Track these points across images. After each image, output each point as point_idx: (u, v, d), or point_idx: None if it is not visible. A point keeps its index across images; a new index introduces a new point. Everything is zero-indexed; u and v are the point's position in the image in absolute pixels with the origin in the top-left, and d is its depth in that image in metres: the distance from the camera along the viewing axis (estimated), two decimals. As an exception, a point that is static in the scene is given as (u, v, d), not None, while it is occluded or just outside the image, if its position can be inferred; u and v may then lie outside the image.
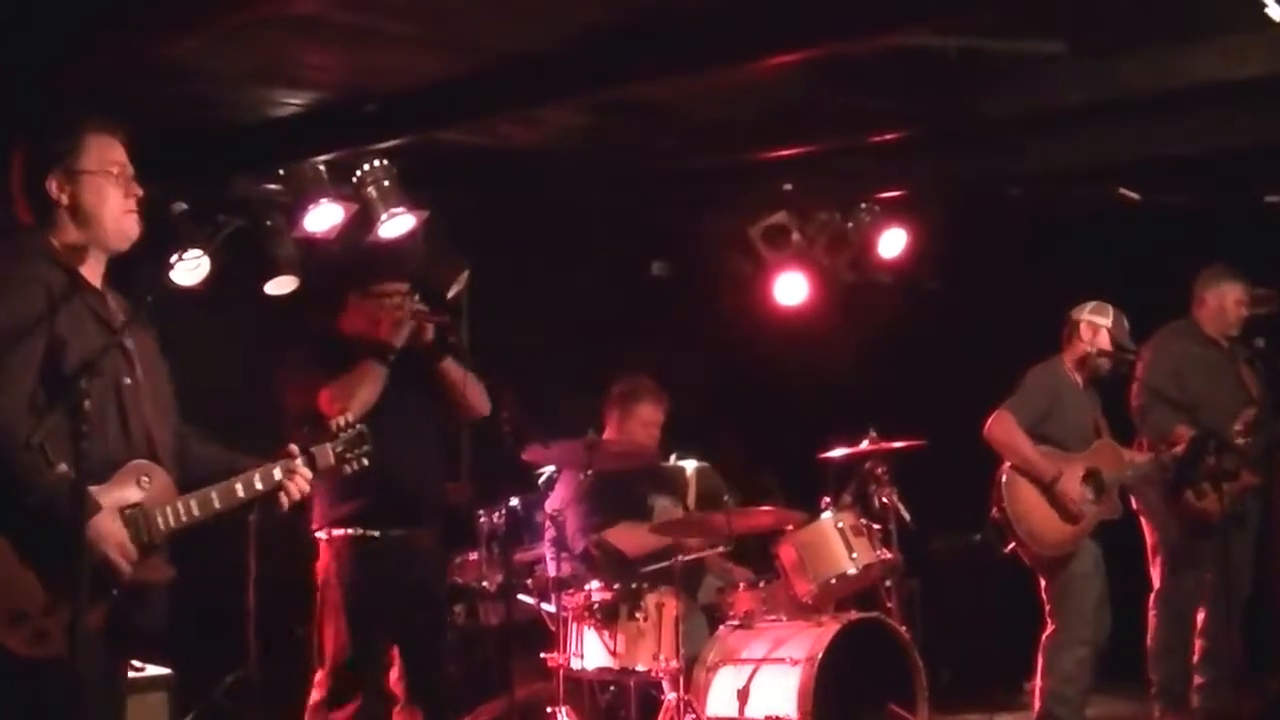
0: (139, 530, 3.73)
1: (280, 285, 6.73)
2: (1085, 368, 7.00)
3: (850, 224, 8.44)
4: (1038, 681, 6.90)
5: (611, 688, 6.80)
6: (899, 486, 7.17)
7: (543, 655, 6.53)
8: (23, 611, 3.58)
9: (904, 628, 6.67)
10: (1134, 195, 8.34)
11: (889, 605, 6.99)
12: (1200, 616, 7.17)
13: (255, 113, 6.38)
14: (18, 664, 3.59)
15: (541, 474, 7.31)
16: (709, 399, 8.72)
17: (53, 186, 3.85)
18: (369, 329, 5.69)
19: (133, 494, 3.75)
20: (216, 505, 3.90)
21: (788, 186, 8.16)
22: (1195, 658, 7.16)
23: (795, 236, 8.34)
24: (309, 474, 4.12)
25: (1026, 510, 6.82)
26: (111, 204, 3.86)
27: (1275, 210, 8.24)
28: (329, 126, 6.50)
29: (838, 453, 7.36)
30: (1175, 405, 7.06)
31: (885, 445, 7.19)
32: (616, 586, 6.46)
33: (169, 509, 3.80)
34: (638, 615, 6.38)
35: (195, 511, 3.85)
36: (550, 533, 6.75)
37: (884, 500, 7.11)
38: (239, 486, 3.96)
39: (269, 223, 6.63)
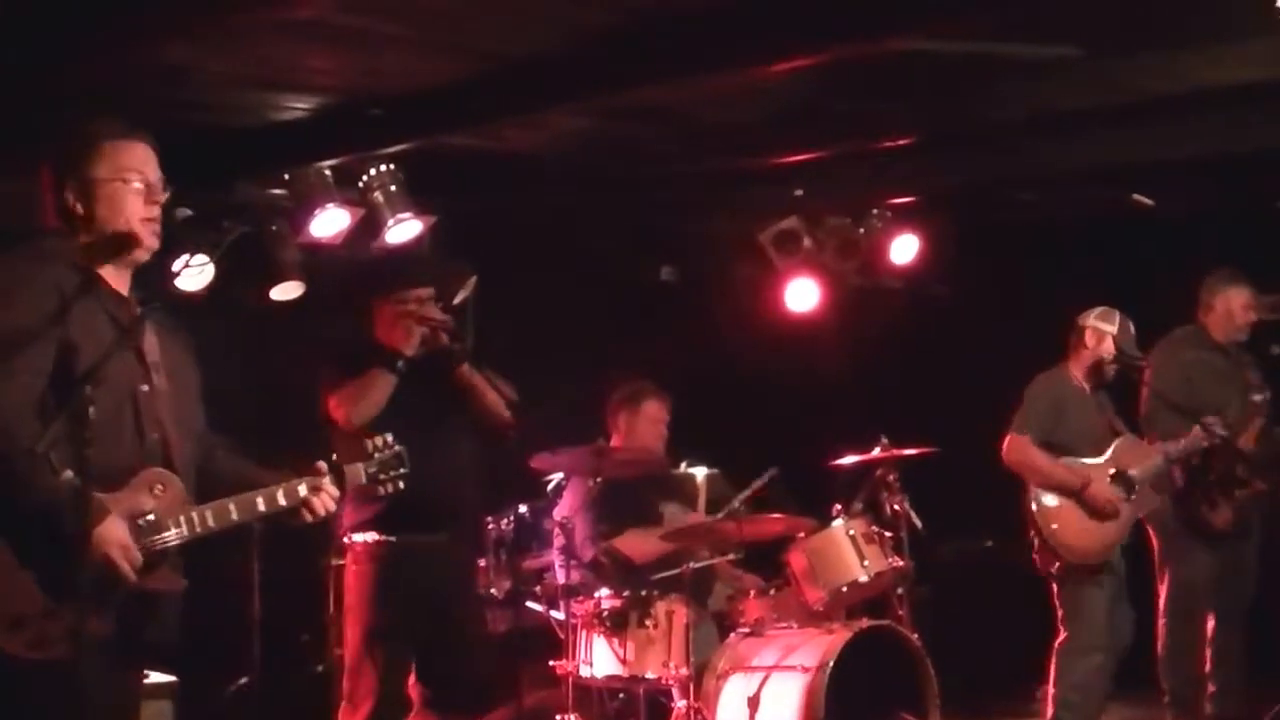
0: (149, 539, 3.68)
1: (285, 291, 6.71)
2: (1092, 373, 6.95)
3: (861, 229, 8.40)
4: (1049, 688, 6.85)
5: (620, 695, 6.78)
6: (910, 493, 7.13)
7: (551, 663, 6.50)
8: (23, 615, 3.54)
9: (915, 635, 6.64)
10: (1146, 200, 8.31)
11: (900, 613, 6.95)
12: (1210, 624, 7.11)
13: (259, 117, 6.36)
14: (18, 668, 3.55)
15: (550, 481, 7.28)
16: (719, 405, 8.68)
17: (69, 194, 3.82)
18: (388, 334, 5.70)
19: (145, 502, 3.71)
20: (234, 517, 3.85)
21: (798, 191, 8.12)
22: (1207, 665, 7.11)
23: (806, 242, 8.29)
24: (335, 492, 4.06)
25: (1060, 525, 6.77)
26: (126, 213, 3.81)
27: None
28: (334, 131, 6.47)
29: (848, 460, 7.32)
30: (1183, 412, 7.00)
31: (896, 452, 7.15)
32: (626, 594, 6.44)
33: (183, 518, 3.76)
34: (647, 623, 6.36)
35: (210, 523, 3.80)
36: (559, 540, 6.71)
37: (895, 507, 7.07)
38: (260, 500, 3.91)
39: (274, 228, 6.61)
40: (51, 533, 3.51)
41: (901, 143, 7.13)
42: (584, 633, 6.42)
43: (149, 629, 3.78)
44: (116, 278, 3.85)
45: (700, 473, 7.48)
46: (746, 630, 6.66)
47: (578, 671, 6.40)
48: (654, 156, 7.42)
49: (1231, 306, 7.25)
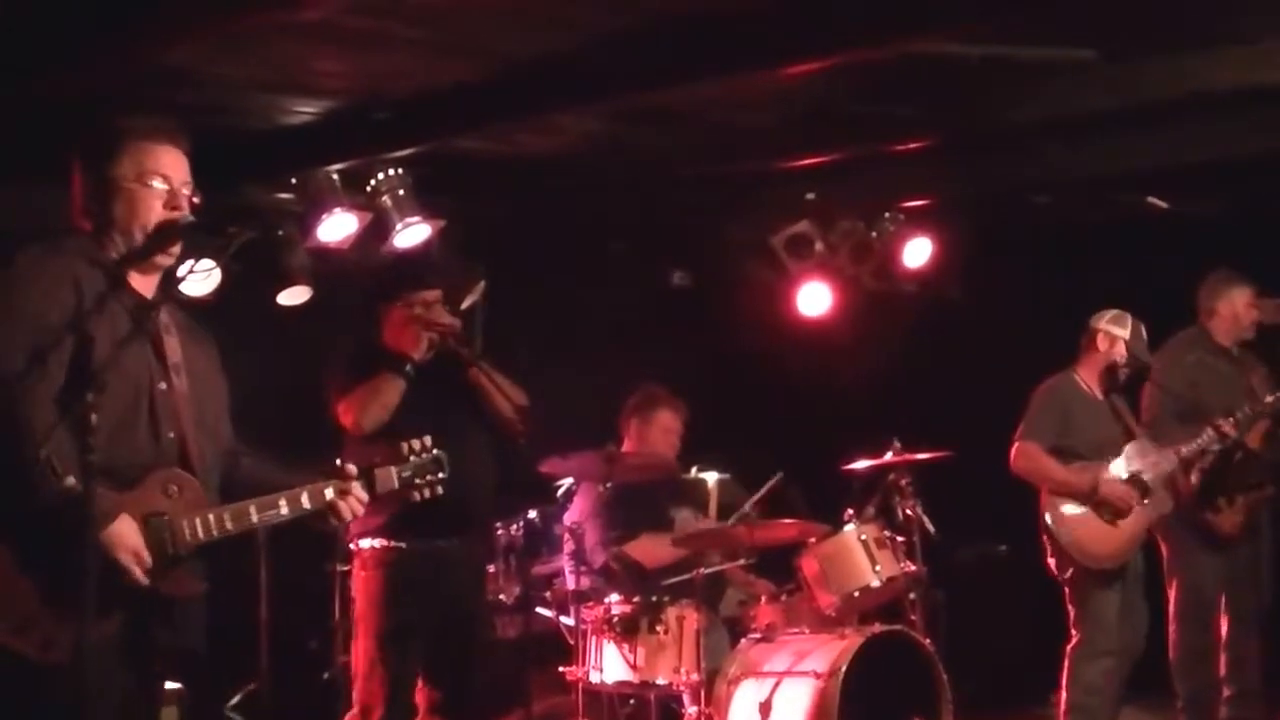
0: (162, 540, 3.62)
1: (293, 295, 6.70)
2: (1104, 377, 6.91)
3: (874, 233, 8.35)
4: (1062, 692, 6.81)
5: (631, 701, 6.75)
6: (923, 498, 7.09)
7: (561, 669, 6.48)
8: (32, 617, 3.51)
9: (928, 640, 6.60)
10: (1161, 204, 8.27)
11: (913, 617, 6.90)
12: (1225, 628, 7.06)
13: (267, 120, 6.36)
14: (27, 670, 3.52)
15: (560, 486, 7.26)
16: (731, 409, 8.65)
17: (91, 192, 3.80)
18: (396, 338, 5.68)
19: (158, 502, 3.65)
20: (254, 519, 3.77)
21: (811, 195, 8.08)
22: (1223, 670, 7.06)
23: (818, 246, 8.25)
24: (365, 496, 3.97)
25: (1076, 531, 6.73)
26: (147, 215, 3.78)
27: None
28: (342, 134, 6.47)
29: (861, 464, 7.28)
30: (1185, 417, 6.96)
31: (909, 456, 7.11)
32: (636, 599, 6.41)
33: (199, 520, 3.68)
34: (658, 628, 6.33)
35: (228, 524, 3.72)
36: (569, 545, 6.69)
37: (908, 512, 7.04)
38: (283, 503, 3.83)
39: (281, 233, 6.60)
40: (60, 534, 3.45)
41: (914, 146, 7.10)
42: (594, 638, 6.39)
43: (163, 634, 3.70)
44: (141, 280, 3.82)
45: (712, 477, 7.45)
46: (758, 636, 6.62)
47: (588, 677, 6.36)
48: (665, 160, 7.40)
49: (1236, 308, 7.20)
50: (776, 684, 6.29)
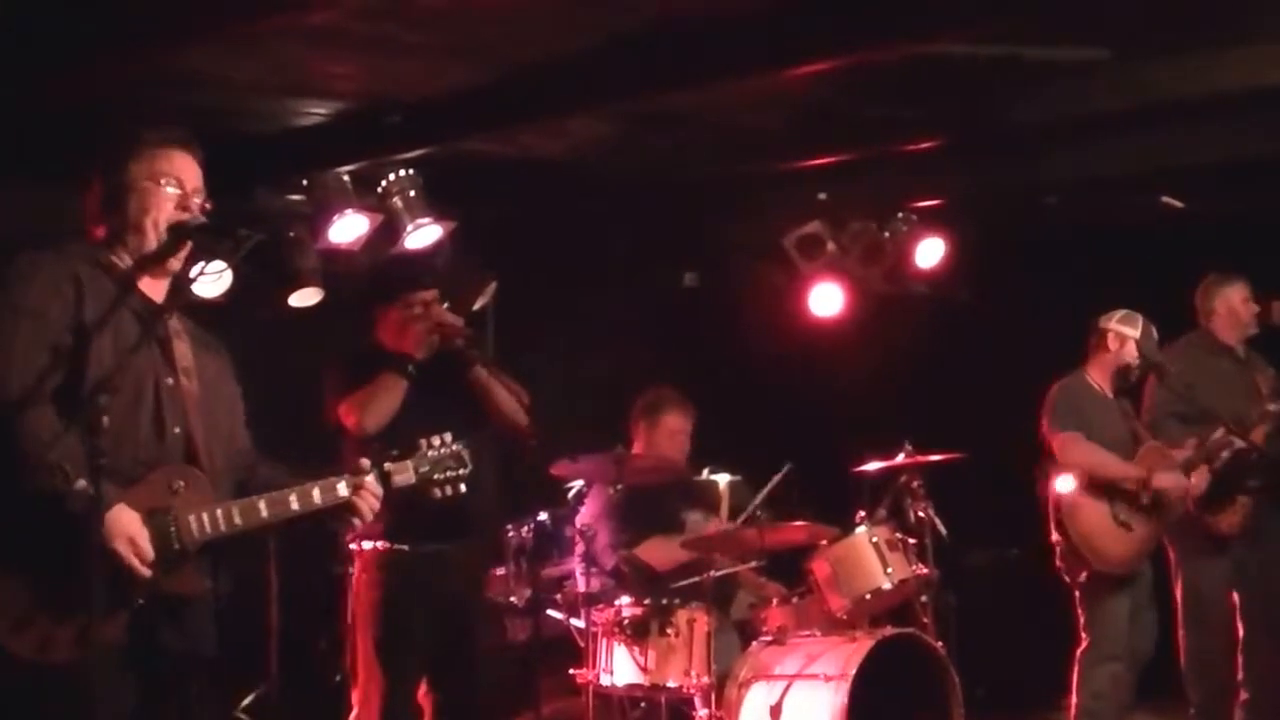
0: (165, 535, 3.61)
1: (304, 297, 6.69)
2: (1114, 377, 6.90)
3: (886, 233, 8.32)
4: (1072, 697, 6.80)
5: (642, 704, 6.72)
6: (934, 500, 7.07)
7: (571, 671, 6.47)
8: (29, 616, 3.51)
9: (939, 643, 6.58)
10: (1176, 203, 8.23)
11: (924, 620, 6.89)
12: (1241, 632, 7.03)
13: (277, 123, 6.37)
14: (23, 671, 3.52)
15: (570, 488, 7.25)
16: (742, 411, 8.64)
17: (105, 195, 3.82)
18: (396, 339, 5.66)
19: (162, 497, 3.64)
20: (264, 515, 3.74)
21: (822, 196, 8.06)
22: (1239, 673, 7.02)
23: (830, 246, 8.22)
24: (379, 491, 3.93)
25: (1090, 529, 6.71)
26: (159, 216, 3.79)
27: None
28: (353, 136, 6.46)
29: (872, 466, 7.26)
30: (1187, 419, 6.93)
31: (921, 458, 7.08)
32: (647, 602, 6.40)
33: (205, 515, 3.66)
34: (668, 631, 6.31)
35: (237, 520, 3.70)
36: (580, 548, 6.68)
37: (919, 514, 7.01)
38: (293, 498, 3.79)
39: (292, 234, 6.59)
40: (58, 533, 3.47)
41: (925, 146, 7.07)
42: (605, 641, 6.38)
43: (169, 635, 3.69)
44: (151, 285, 3.83)
45: (723, 479, 7.42)
46: (769, 638, 6.61)
47: (598, 680, 6.35)
48: (675, 162, 7.39)
49: (1233, 304, 7.17)
50: (787, 687, 6.28)
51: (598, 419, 7.40)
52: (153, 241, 3.81)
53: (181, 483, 3.68)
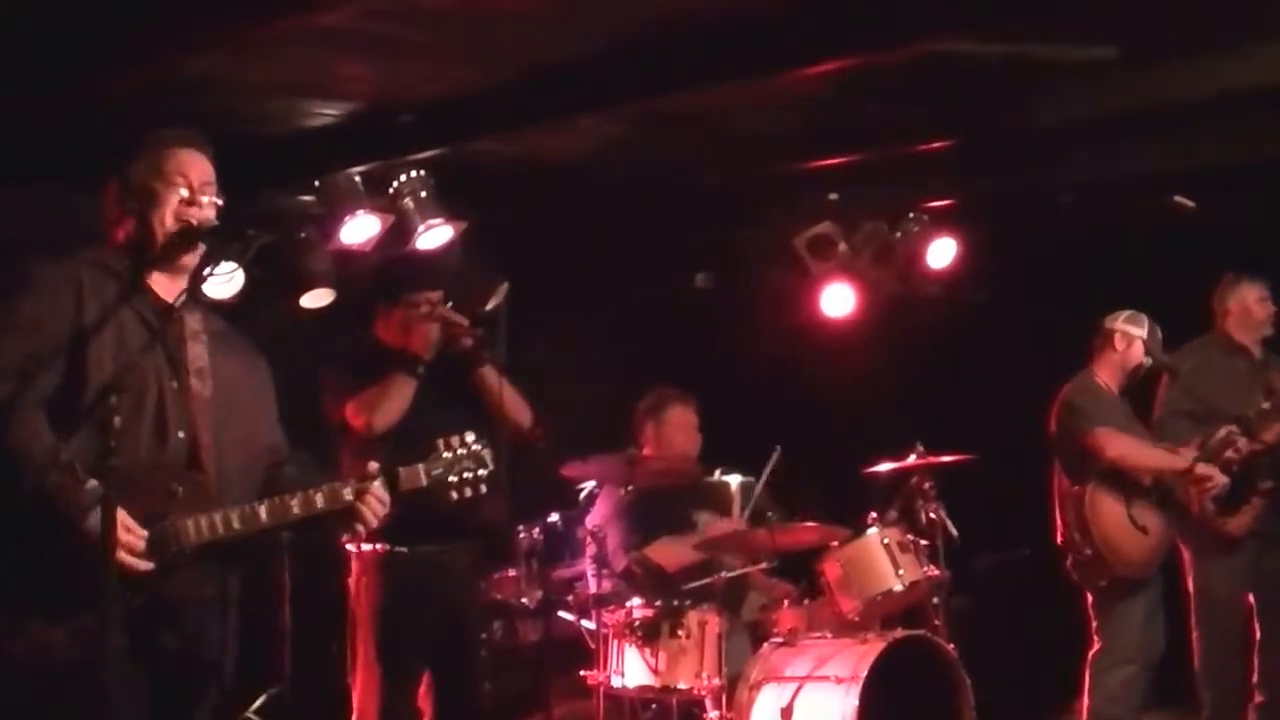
0: (164, 539, 3.60)
1: (315, 299, 6.68)
2: (1121, 377, 6.90)
3: (898, 234, 8.31)
4: (1084, 701, 6.78)
5: (653, 706, 6.70)
6: (946, 501, 7.05)
7: (582, 673, 6.46)
8: (22, 618, 3.52)
9: (951, 645, 6.56)
10: (1188, 203, 8.20)
11: (936, 622, 6.87)
12: (1259, 634, 7.01)
13: (288, 124, 6.37)
14: (17, 673, 3.53)
15: (582, 489, 7.24)
16: (752, 412, 8.62)
17: (117, 197, 3.84)
18: (400, 338, 5.65)
19: (160, 502, 3.63)
20: (264, 519, 3.72)
21: (833, 196, 8.05)
22: (1254, 676, 7.00)
23: (841, 247, 8.20)
24: (385, 496, 3.89)
25: (1112, 533, 6.70)
26: (167, 218, 3.80)
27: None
28: (364, 138, 6.46)
29: (883, 467, 7.24)
30: (1194, 418, 6.92)
31: (932, 459, 7.07)
32: (658, 603, 6.40)
33: (203, 520, 3.65)
34: (679, 632, 6.30)
35: (235, 525, 3.68)
36: (591, 549, 6.67)
37: (931, 516, 6.99)
38: (295, 503, 3.76)
39: (303, 235, 6.59)
40: (48, 527, 3.48)
41: (938, 147, 7.06)
42: (615, 643, 6.38)
43: (171, 638, 3.69)
44: (165, 284, 3.83)
45: (734, 480, 7.41)
46: (780, 640, 6.59)
47: (609, 682, 6.35)
48: (687, 162, 7.38)
49: (1247, 303, 7.16)
50: (798, 689, 6.27)
51: (609, 420, 7.38)
52: (162, 244, 3.81)
53: (180, 488, 3.67)
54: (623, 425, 7.27)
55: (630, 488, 6.70)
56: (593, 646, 6.50)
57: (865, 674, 6.12)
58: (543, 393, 5.91)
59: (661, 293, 9.04)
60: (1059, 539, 6.92)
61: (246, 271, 4.07)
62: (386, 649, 5.51)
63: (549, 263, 7.86)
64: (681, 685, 6.29)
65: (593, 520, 6.89)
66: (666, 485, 6.98)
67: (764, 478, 7.09)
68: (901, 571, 6.66)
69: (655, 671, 6.29)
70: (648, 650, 6.30)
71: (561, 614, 6.96)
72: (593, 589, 6.61)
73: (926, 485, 7.07)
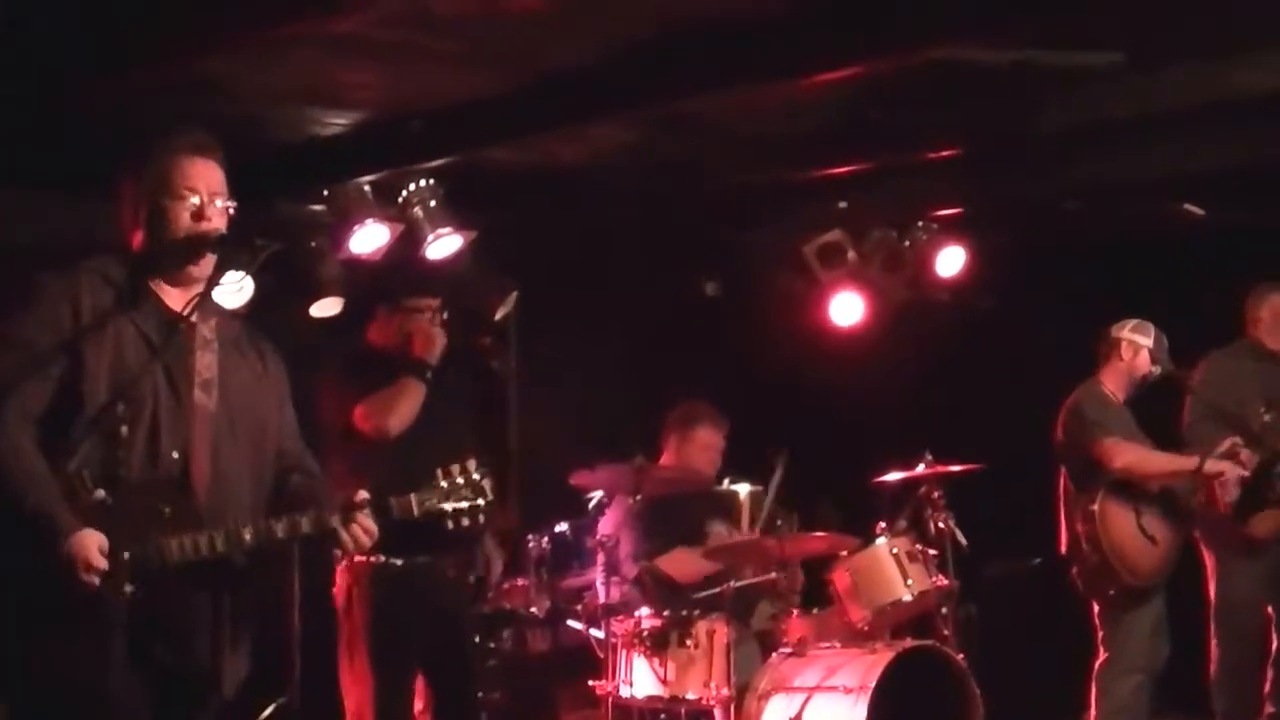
0: (146, 558, 3.58)
1: (325, 307, 6.69)
2: (1126, 386, 6.88)
3: (906, 242, 8.30)
4: (1091, 712, 6.77)
5: (661, 716, 6.68)
6: (955, 511, 7.03)
7: (591, 682, 6.45)
8: (23, 631, 3.52)
9: (960, 655, 6.55)
10: (1197, 210, 8.19)
11: (945, 632, 6.85)
12: (1275, 644, 6.99)
13: (297, 133, 6.37)
14: (22, 684, 3.55)
15: (590, 499, 7.23)
16: (761, 420, 8.61)
17: (129, 206, 3.83)
18: (398, 343, 5.65)
19: (144, 520, 3.61)
20: (248, 541, 3.71)
21: (842, 204, 8.04)
22: (1266, 687, 6.97)
23: (850, 255, 8.20)
24: (373, 526, 3.86)
25: (1121, 542, 6.68)
26: (176, 228, 3.78)
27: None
28: (373, 146, 6.46)
29: (893, 477, 7.22)
30: (1226, 421, 6.89)
31: (941, 469, 7.05)
32: (667, 613, 6.39)
33: (187, 540, 3.63)
34: (688, 642, 6.30)
35: (219, 546, 3.66)
36: (601, 558, 6.66)
37: (940, 525, 6.97)
38: (279, 528, 3.76)
39: (313, 244, 6.60)
40: (34, 547, 3.47)
41: (947, 154, 7.05)
42: (624, 652, 6.36)
43: (162, 652, 3.68)
44: (175, 294, 3.82)
45: (743, 489, 7.40)
46: (789, 650, 6.58)
47: (617, 691, 6.33)
48: (697, 170, 7.37)
49: (1278, 310, 7.13)
50: (807, 699, 6.25)
51: (618, 428, 7.36)
52: (171, 254, 3.80)
53: (169, 508, 3.65)
54: (631, 433, 7.25)
55: (638, 497, 6.67)
56: (601, 656, 6.48)
57: (874, 684, 6.10)
58: (551, 400, 5.90)
59: (670, 300, 9.03)
60: (1064, 548, 6.90)
61: (256, 280, 4.07)
62: (381, 661, 5.48)
63: (557, 271, 7.85)
64: (690, 695, 6.28)
65: (604, 529, 6.88)
66: (678, 494, 6.96)
67: (775, 484, 7.07)
68: (910, 581, 6.64)
69: (664, 681, 6.28)
70: (656, 660, 6.30)
71: (570, 623, 6.94)
72: (602, 598, 6.58)
73: (935, 494, 7.05)
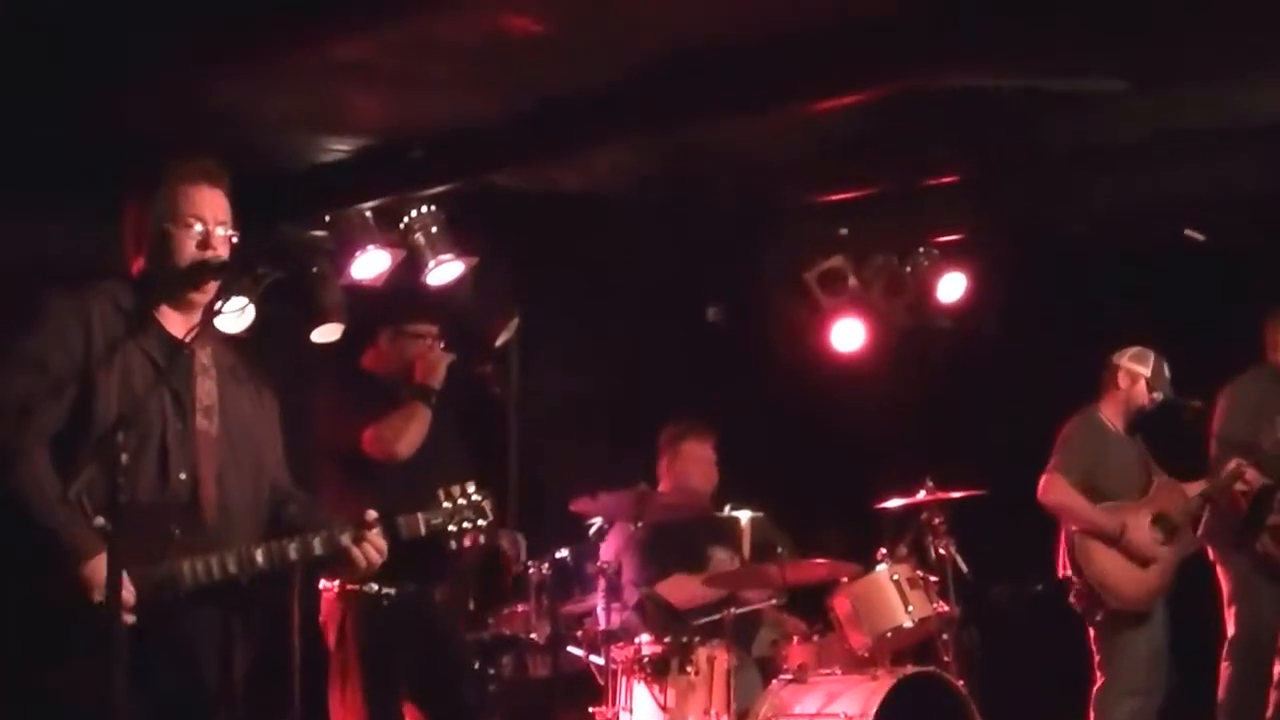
0: (159, 582, 3.60)
1: (326, 333, 6.69)
2: (1126, 414, 6.88)
3: (908, 267, 8.30)
4: (1090, 734, 6.77)
5: (662, 742, 6.68)
6: (957, 537, 7.02)
7: (591, 709, 6.43)
8: (30, 654, 3.54)
9: (961, 681, 6.53)
10: (1199, 235, 8.19)
11: (946, 658, 6.83)
12: (1277, 668, 6.97)
13: (300, 159, 6.39)
14: (29, 706, 3.56)
15: (591, 525, 7.22)
16: (764, 447, 8.61)
17: (133, 232, 3.85)
18: (399, 368, 5.66)
19: (157, 544, 3.63)
20: (260, 563, 3.74)
21: (843, 230, 8.05)
22: (1269, 710, 6.95)
23: (852, 281, 8.21)
24: (383, 545, 3.89)
25: (1103, 569, 6.71)
26: (181, 256, 3.81)
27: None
28: (376, 172, 6.48)
29: (894, 503, 7.21)
30: (1248, 449, 6.87)
31: (942, 494, 7.04)
32: (667, 639, 6.37)
33: (199, 563, 3.66)
34: (689, 669, 6.29)
35: (231, 568, 3.70)
36: (602, 584, 6.65)
37: (941, 551, 6.96)
38: (292, 548, 3.79)
39: (315, 270, 6.59)
40: (50, 566, 3.48)
41: (947, 180, 7.06)
42: (625, 678, 6.35)
43: (169, 675, 3.68)
44: (177, 320, 3.84)
45: (744, 516, 7.38)
46: (789, 676, 6.55)
47: (618, 718, 6.32)
48: (698, 195, 7.38)
49: None
50: (808, 726, 6.24)
51: (619, 454, 7.36)
52: (175, 281, 3.82)
53: (179, 530, 3.67)
54: (633, 459, 7.25)
55: (639, 523, 6.67)
56: (602, 682, 6.47)
57: (875, 711, 6.08)
58: (553, 425, 5.90)
59: (672, 326, 9.03)
60: (1059, 572, 6.90)
61: (257, 307, 4.09)
62: (373, 690, 5.48)
63: (559, 297, 7.86)
64: (690, 722, 6.27)
65: (605, 554, 6.87)
66: (679, 521, 6.96)
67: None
68: (911, 608, 6.63)
69: (664, 708, 6.26)
70: (657, 686, 6.28)
71: (571, 649, 6.92)
72: (603, 624, 6.57)
73: (937, 521, 7.03)
